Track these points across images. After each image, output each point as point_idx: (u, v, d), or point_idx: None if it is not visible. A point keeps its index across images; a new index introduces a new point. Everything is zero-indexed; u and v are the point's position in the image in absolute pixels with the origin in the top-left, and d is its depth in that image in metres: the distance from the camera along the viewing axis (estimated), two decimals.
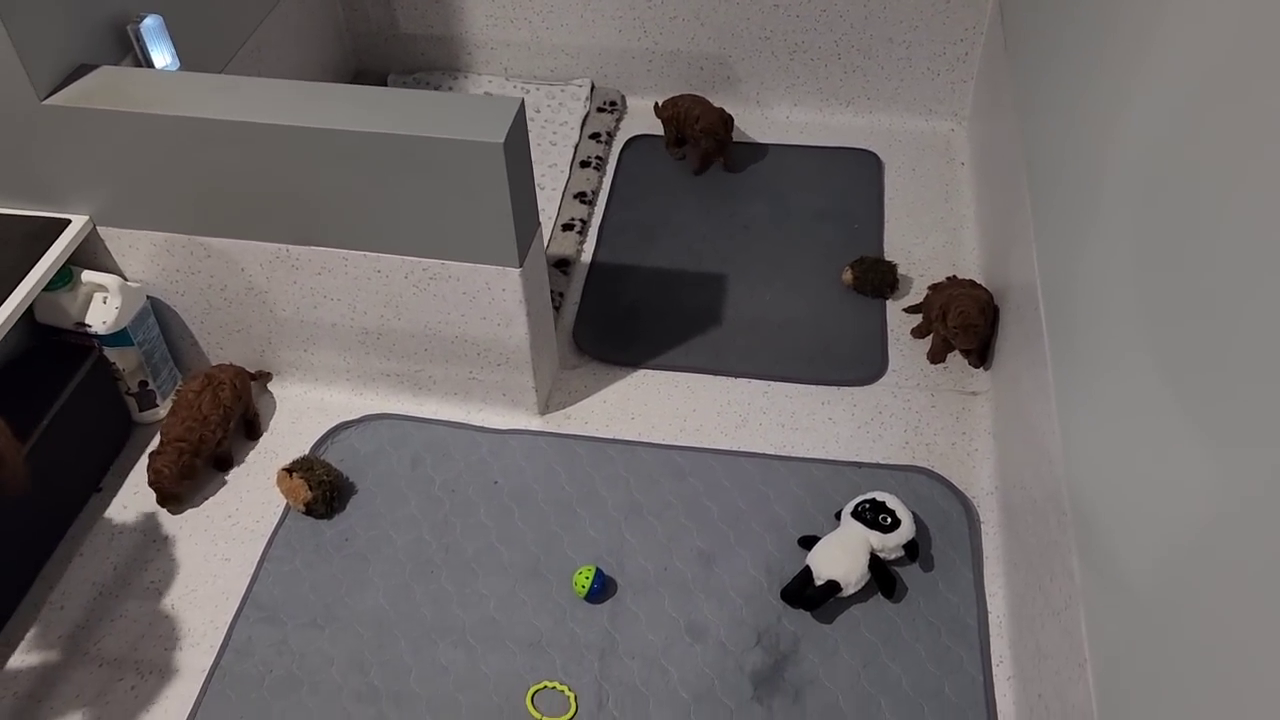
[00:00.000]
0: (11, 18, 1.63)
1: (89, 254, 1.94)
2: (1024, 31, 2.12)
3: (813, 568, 1.74)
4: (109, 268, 1.96)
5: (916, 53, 2.65)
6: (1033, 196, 1.85)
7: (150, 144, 1.75)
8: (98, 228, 1.91)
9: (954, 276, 2.20)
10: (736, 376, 2.14)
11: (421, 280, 1.87)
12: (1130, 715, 1.12)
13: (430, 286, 1.88)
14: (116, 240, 1.93)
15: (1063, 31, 1.79)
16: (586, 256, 2.43)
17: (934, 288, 2.17)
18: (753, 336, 2.22)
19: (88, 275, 1.90)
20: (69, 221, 1.88)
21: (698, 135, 2.57)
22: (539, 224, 1.87)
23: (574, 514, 1.90)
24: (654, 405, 2.09)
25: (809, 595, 1.72)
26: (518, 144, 1.69)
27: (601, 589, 1.76)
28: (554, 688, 1.66)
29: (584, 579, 1.75)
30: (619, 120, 2.83)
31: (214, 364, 2.08)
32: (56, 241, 1.85)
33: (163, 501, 1.91)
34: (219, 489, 1.97)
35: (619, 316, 2.27)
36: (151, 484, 1.88)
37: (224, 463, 2.00)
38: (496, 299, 1.87)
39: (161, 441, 1.90)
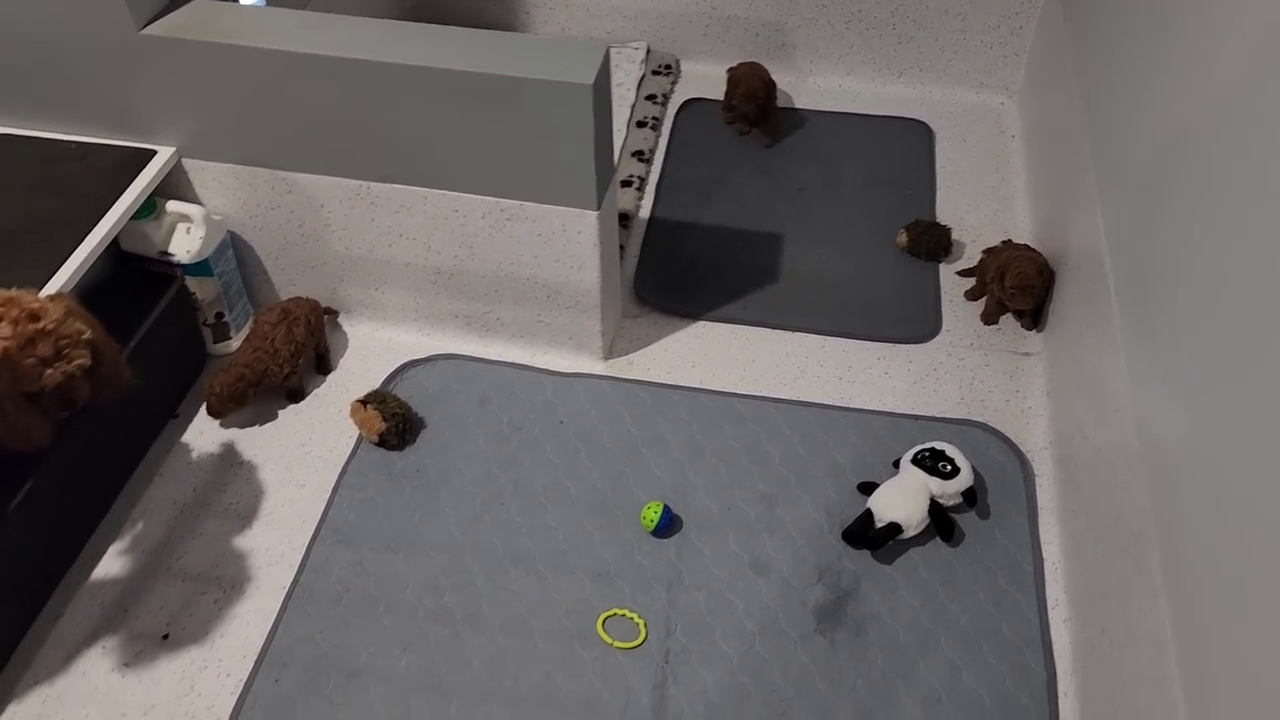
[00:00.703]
0: None
1: (173, 185, 1.98)
2: (1088, 1, 2.16)
3: (874, 511, 1.79)
4: (191, 200, 2.01)
5: (971, 25, 2.68)
6: (1098, 165, 1.89)
7: (240, 77, 1.80)
8: (183, 160, 1.96)
9: (1009, 241, 2.25)
10: (794, 331, 2.20)
11: (498, 221, 1.92)
12: (1208, 637, 1.17)
13: (506, 227, 1.93)
14: (200, 173, 1.98)
15: None
16: (644, 212, 2.48)
17: (989, 251, 2.22)
18: (809, 293, 2.27)
19: (173, 205, 1.95)
20: (155, 152, 1.93)
21: (738, 100, 2.62)
22: (614, 169, 1.92)
23: (638, 454, 1.96)
24: (714, 355, 2.14)
25: (870, 536, 1.77)
26: (603, 87, 1.74)
27: (669, 524, 1.81)
28: (624, 615, 1.71)
29: (652, 513, 1.80)
30: (674, 83, 2.87)
31: (287, 298, 2.12)
32: (144, 171, 1.90)
33: (210, 414, 1.97)
34: (292, 419, 2.02)
35: (678, 270, 2.32)
36: (205, 397, 1.93)
37: (295, 394, 2.05)
38: (571, 242, 1.91)
39: (229, 363, 1.95)
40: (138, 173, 1.89)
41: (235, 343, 2.13)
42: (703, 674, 1.64)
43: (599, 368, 2.12)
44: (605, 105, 1.77)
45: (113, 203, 1.83)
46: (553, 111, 1.71)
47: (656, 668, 1.65)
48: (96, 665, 1.66)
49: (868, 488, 1.86)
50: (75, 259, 1.73)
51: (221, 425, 2.00)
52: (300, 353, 2.00)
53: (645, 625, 1.70)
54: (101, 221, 1.79)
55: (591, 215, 1.86)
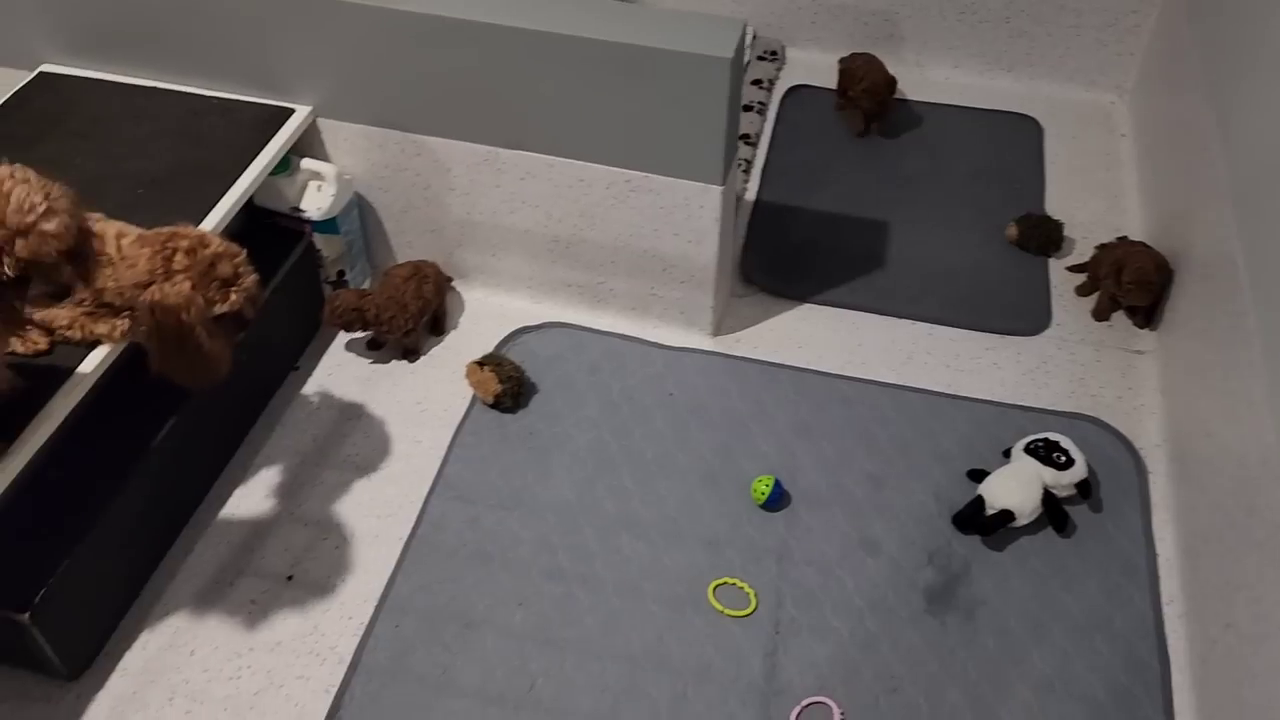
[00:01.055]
0: None
1: (306, 143, 2.04)
2: (1217, 1, 2.13)
3: (985, 497, 1.80)
4: (322, 158, 2.06)
5: (1088, 21, 2.66)
6: (1230, 165, 1.87)
7: (380, 39, 1.84)
8: (318, 119, 2.01)
9: (1124, 238, 2.23)
10: (901, 317, 2.20)
11: (622, 192, 1.95)
12: None
13: (629, 199, 1.96)
14: (333, 132, 2.03)
15: None
16: (751, 195, 2.50)
17: (1103, 247, 2.20)
18: (916, 281, 2.27)
19: (307, 163, 2.00)
20: (293, 111, 1.99)
21: (858, 95, 2.62)
22: (739, 145, 1.94)
23: (746, 429, 1.98)
24: (820, 337, 2.16)
25: (982, 522, 1.78)
26: (738, 62, 1.75)
27: (779, 498, 1.83)
28: (735, 584, 1.74)
29: (764, 486, 1.82)
30: (779, 69, 2.88)
31: (401, 260, 2.16)
32: (282, 129, 1.95)
33: (323, 318, 2.02)
34: (408, 378, 2.07)
35: (785, 252, 2.34)
36: (328, 301, 2.00)
37: (411, 353, 2.10)
38: (693, 215, 1.94)
39: (359, 294, 2.01)
40: (277, 129, 1.94)
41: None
42: (814, 646, 1.66)
43: (707, 343, 2.14)
44: (739, 81, 1.79)
45: (254, 156, 1.89)
46: (689, 84, 1.74)
47: (768, 637, 1.67)
48: (224, 600, 1.72)
49: (977, 475, 1.86)
50: (221, 207, 1.78)
51: (339, 382, 2.05)
52: (425, 311, 2.04)
53: (756, 595, 1.72)
54: (245, 173, 1.85)
55: (716, 190, 1.88)
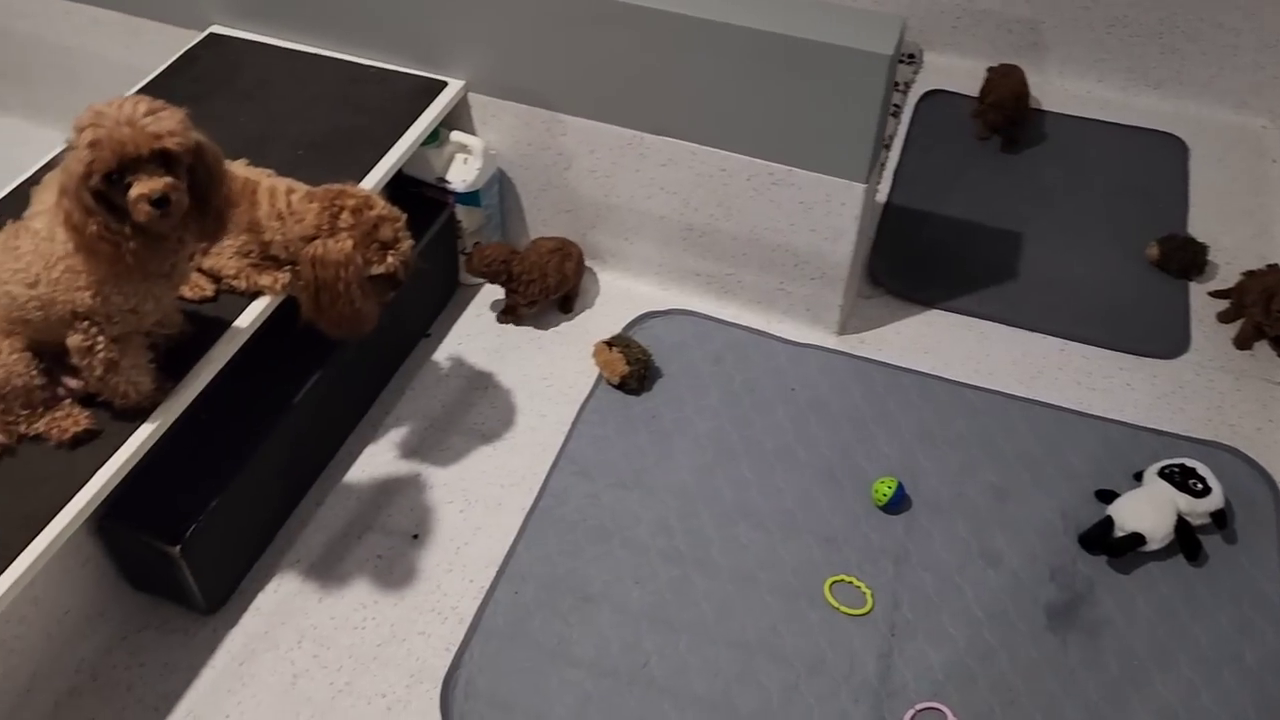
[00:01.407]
0: None
1: (455, 116, 2.09)
2: None
3: (1115, 518, 1.76)
4: (470, 132, 2.11)
5: (1245, 41, 2.58)
6: None
7: (537, 16, 1.88)
8: (469, 93, 2.06)
9: (1276, 265, 2.16)
10: (1031, 330, 2.16)
11: (763, 184, 1.95)
12: None
13: (769, 191, 1.96)
14: (483, 107, 2.07)
15: None
16: (882, 197, 2.48)
17: (1251, 274, 2.13)
18: (1048, 295, 2.23)
19: (456, 135, 2.05)
20: (447, 84, 2.04)
21: (986, 107, 2.58)
22: (890, 139, 1.92)
23: (868, 430, 1.97)
24: (947, 344, 2.13)
25: (1110, 543, 1.74)
26: (894, 61, 1.74)
27: (900, 501, 1.82)
28: (851, 582, 1.73)
29: (885, 488, 1.81)
30: (916, 73, 2.85)
31: (538, 237, 2.20)
32: (435, 101, 2.01)
33: (467, 265, 2.09)
34: (535, 352, 2.11)
35: (914, 256, 2.32)
36: (474, 251, 2.06)
37: (510, 313, 2.14)
38: (833, 212, 1.93)
39: (509, 249, 2.06)
40: (430, 101, 2.00)
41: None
42: (929, 652, 1.65)
43: (832, 342, 2.14)
44: (892, 78, 1.78)
45: (408, 126, 1.94)
46: (845, 79, 1.73)
47: (883, 638, 1.66)
48: (352, 553, 1.77)
49: (1106, 495, 1.83)
50: (375, 173, 1.84)
51: (469, 352, 2.10)
52: (560, 288, 2.09)
53: (872, 595, 1.72)
54: (398, 142, 1.90)
55: (859, 188, 1.88)
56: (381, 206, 1.53)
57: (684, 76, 1.86)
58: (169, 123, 1.20)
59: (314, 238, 1.52)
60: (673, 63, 1.85)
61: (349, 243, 1.51)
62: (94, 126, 1.16)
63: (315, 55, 2.09)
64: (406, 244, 1.56)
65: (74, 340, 1.34)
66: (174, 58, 2.11)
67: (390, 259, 1.54)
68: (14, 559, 1.29)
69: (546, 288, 2.06)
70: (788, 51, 1.74)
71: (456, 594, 1.72)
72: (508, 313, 2.15)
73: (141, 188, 1.18)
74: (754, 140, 1.90)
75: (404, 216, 1.56)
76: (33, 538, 1.31)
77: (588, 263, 2.26)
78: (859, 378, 2.06)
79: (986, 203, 2.45)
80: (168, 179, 1.19)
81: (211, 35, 2.16)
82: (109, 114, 1.17)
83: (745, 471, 1.90)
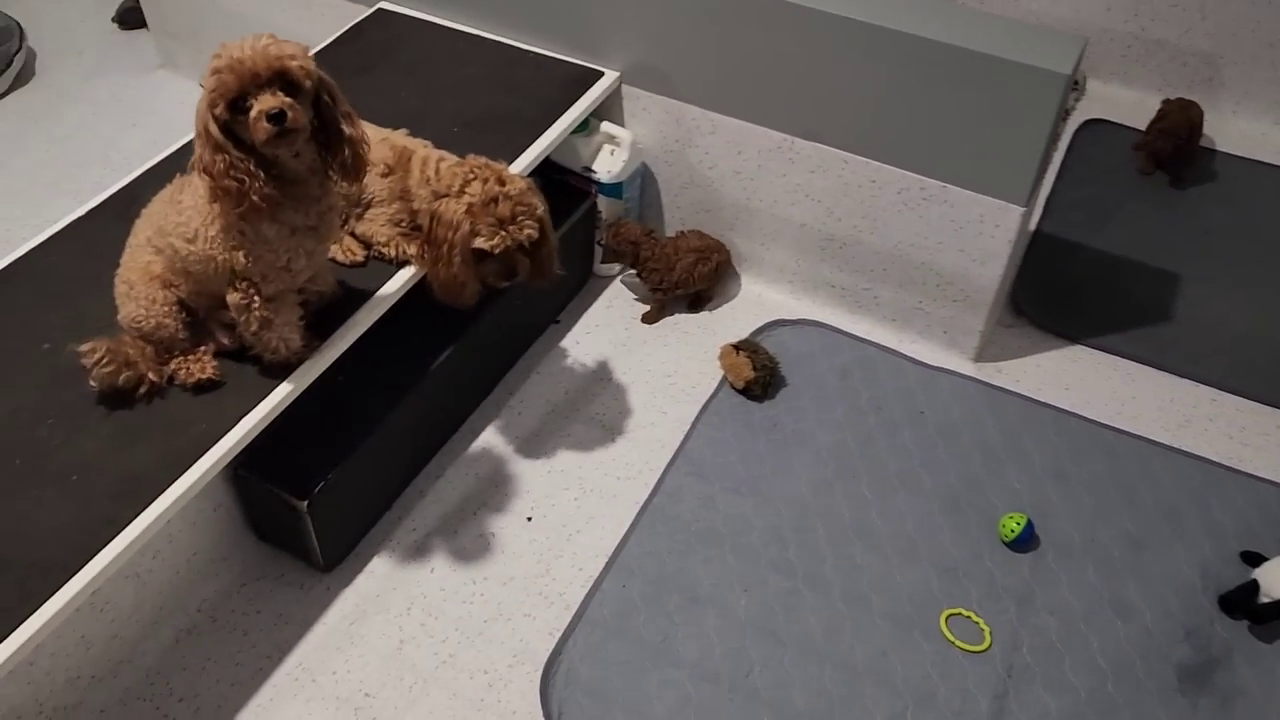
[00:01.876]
0: None
1: (606, 107, 2.09)
2: None
3: (1261, 583, 1.65)
4: (619, 124, 2.11)
5: None
6: None
7: (697, 12, 1.87)
8: (623, 85, 2.06)
9: None
10: (1182, 376, 2.05)
11: (913, 199, 1.90)
12: None
13: (919, 207, 1.91)
14: (635, 100, 2.07)
15: None
16: (1031, 223, 2.39)
17: None
18: (1204, 341, 2.11)
19: (606, 126, 2.05)
20: (602, 74, 2.04)
21: (1154, 134, 2.46)
22: (1047, 168, 1.85)
23: (999, 462, 1.89)
24: (1089, 382, 2.04)
25: (1254, 609, 1.64)
26: (1070, 82, 1.67)
27: (1028, 539, 1.75)
28: (969, 616, 1.67)
29: (1014, 523, 1.74)
30: (1078, 100, 2.75)
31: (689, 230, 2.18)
32: (590, 90, 2.02)
33: (602, 244, 2.10)
34: (660, 349, 2.10)
35: (1061, 288, 2.23)
36: (608, 229, 2.07)
37: (651, 317, 2.13)
38: (985, 234, 1.87)
39: (645, 231, 2.06)
40: (585, 90, 2.01)
41: (619, 265, 2.23)
42: (1047, 698, 1.58)
43: (967, 367, 2.07)
44: (1064, 100, 1.71)
45: (561, 113, 1.95)
46: (1016, 97, 1.67)
47: (999, 679, 1.60)
48: (466, 528, 1.79)
49: (1252, 558, 1.72)
50: (525, 156, 1.86)
51: (596, 343, 2.10)
52: (686, 286, 2.08)
53: (990, 633, 1.65)
54: (551, 128, 1.92)
55: (1016, 211, 1.81)
56: (512, 185, 1.53)
57: (844, 82, 1.82)
58: (290, 48, 1.23)
59: (443, 197, 1.54)
60: (833, 67, 1.81)
61: (464, 207, 1.52)
62: (218, 57, 1.21)
63: (476, 36, 2.12)
64: (527, 230, 1.55)
65: (232, 297, 1.38)
66: (342, 30, 2.17)
67: (498, 237, 1.53)
68: (159, 495, 1.34)
69: (669, 284, 2.05)
70: (958, 64, 1.69)
71: (565, 580, 1.72)
72: (659, 306, 2.16)
73: (260, 105, 1.20)
74: (909, 153, 1.85)
75: (536, 207, 1.56)
76: (177, 477, 1.36)
77: None
78: (993, 407, 1.99)
79: (1144, 239, 2.34)
80: (285, 98, 1.21)
81: (380, 11, 2.22)
82: (233, 45, 1.21)
83: (865, 491, 1.85)
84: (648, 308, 2.15)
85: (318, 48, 2.12)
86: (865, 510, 1.82)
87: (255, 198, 1.25)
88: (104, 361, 1.40)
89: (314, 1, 2.36)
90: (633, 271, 2.13)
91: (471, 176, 1.53)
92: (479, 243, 1.53)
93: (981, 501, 1.83)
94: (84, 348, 1.41)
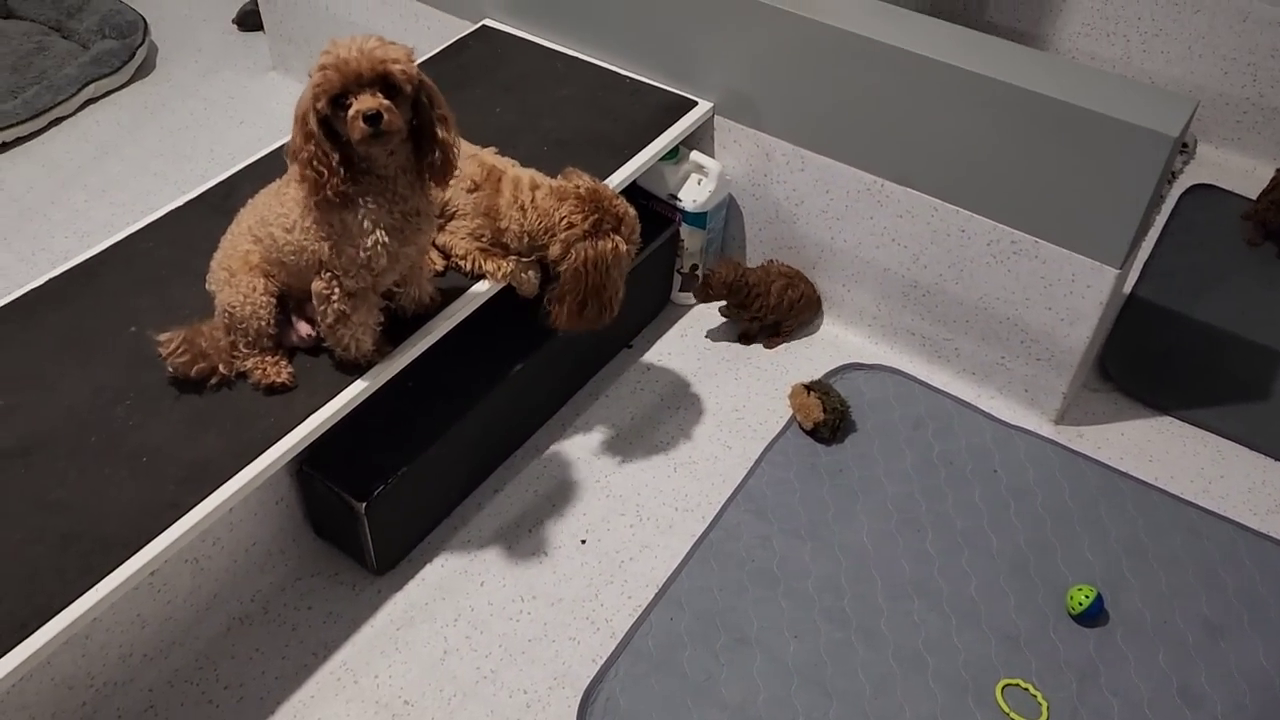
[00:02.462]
0: None
1: (697, 136, 2.09)
2: None
3: None
4: (708, 154, 2.10)
5: None
6: None
7: (797, 48, 1.85)
8: (716, 115, 2.06)
9: None
10: (1276, 459, 1.96)
11: (1003, 251, 1.85)
12: None
13: (1009, 260, 1.86)
14: (726, 131, 2.07)
15: None
16: (1127, 286, 2.31)
17: None
18: None
19: (695, 155, 2.05)
20: (696, 103, 2.04)
21: (1265, 204, 2.36)
22: (1148, 231, 1.79)
23: (1073, 531, 1.82)
24: (1175, 456, 1.96)
25: None
26: (1178, 144, 1.62)
27: (1097, 613, 1.68)
28: (1026, 689, 1.60)
29: (1083, 596, 1.67)
30: (1186, 163, 2.66)
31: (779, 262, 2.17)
32: (683, 119, 2.02)
33: (696, 292, 2.08)
34: (730, 383, 2.07)
35: (1152, 355, 2.14)
36: (706, 274, 2.06)
37: (746, 338, 2.13)
38: (1076, 293, 1.81)
39: (735, 262, 2.05)
40: (678, 118, 2.01)
41: (695, 296, 2.21)
42: None
43: (1046, 429, 2.00)
44: (1170, 162, 1.65)
45: (652, 139, 1.96)
46: (1121, 156, 1.62)
47: None
48: (519, 544, 1.79)
49: None
50: (615, 178, 1.86)
51: (666, 371, 2.09)
52: (780, 316, 2.06)
53: (1048, 709, 1.58)
54: (641, 152, 1.92)
55: (1110, 272, 1.75)
56: (606, 195, 1.58)
57: (942, 128, 1.79)
58: (395, 52, 1.27)
59: (576, 240, 1.55)
60: (932, 113, 1.78)
61: (621, 243, 1.54)
62: (327, 54, 1.26)
63: (574, 58, 2.14)
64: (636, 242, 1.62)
65: (317, 285, 1.41)
66: (446, 44, 2.21)
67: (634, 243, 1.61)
68: (222, 483, 1.36)
69: (761, 310, 2.04)
70: (1062, 118, 1.64)
71: (613, 607, 1.70)
72: (745, 336, 2.15)
73: (359, 104, 1.24)
74: (1003, 205, 1.80)
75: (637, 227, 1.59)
76: (241, 467, 1.39)
77: None
78: (1071, 473, 1.92)
79: (1244, 312, 2.24)
80: (384, 100, 1.25)
81: (484, 28, 2.26)
82: (342, 43, 1.26)
83: (929, 547, 1.80)
84: (727, 339, 2.14)
85: (421, 59, 2.16)
86: (927, 566, 1.77)
87: (329, 191, 1.29)
88: (180, 351, 1.44)
89: (423, 15, 2.41)
90: (721, 304, 2.12)
91: (592, 211, 1.56)
92: (617, 265, 1.59)
93: (1050, 569, 1.76)
94: (162, 337, 1.45)
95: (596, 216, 1.54)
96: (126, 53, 2.82)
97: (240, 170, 1.87)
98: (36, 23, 2.98)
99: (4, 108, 2.62)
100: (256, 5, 2.93)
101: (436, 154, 1.34)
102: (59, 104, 2.68)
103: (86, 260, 1.68)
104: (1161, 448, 1.97)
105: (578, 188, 1.56)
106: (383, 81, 1.26)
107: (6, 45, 2.86)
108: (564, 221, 1.54)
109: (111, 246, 1.71)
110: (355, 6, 2.53)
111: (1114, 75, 1.71)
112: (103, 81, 2.77)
